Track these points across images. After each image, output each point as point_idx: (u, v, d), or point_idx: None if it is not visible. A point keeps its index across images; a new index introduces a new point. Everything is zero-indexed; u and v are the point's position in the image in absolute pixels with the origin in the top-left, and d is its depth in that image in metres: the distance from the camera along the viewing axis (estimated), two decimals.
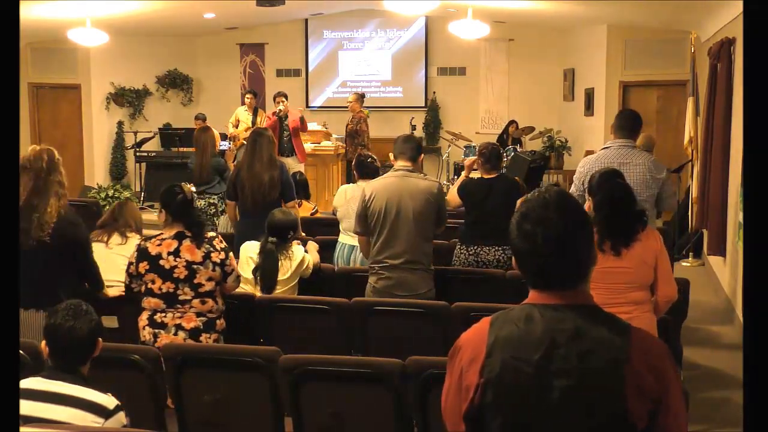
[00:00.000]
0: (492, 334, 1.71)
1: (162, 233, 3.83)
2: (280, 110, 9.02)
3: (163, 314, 3.77)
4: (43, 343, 2.64)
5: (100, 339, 2.72)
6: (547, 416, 1.64)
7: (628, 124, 4.63)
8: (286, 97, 9.15)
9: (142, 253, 3.79)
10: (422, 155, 4.57)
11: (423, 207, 4.27)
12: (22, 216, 3.67)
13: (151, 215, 8.02)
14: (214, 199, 6.96)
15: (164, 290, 3.76)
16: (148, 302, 3.80)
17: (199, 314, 3.78)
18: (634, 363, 1.62)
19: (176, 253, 3.74)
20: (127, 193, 10.59)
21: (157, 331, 3.76)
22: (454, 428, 1.78)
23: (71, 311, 2.62)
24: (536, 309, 1.71)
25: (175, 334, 3.74)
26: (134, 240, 4.53)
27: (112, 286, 4.25)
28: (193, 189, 4.01)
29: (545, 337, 1.66)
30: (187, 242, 3.76)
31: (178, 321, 3.76)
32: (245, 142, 9.87)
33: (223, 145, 8.08)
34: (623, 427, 1.62)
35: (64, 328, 2.58)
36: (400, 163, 4.40)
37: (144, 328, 3.80)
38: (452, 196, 5.38)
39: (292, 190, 5.53)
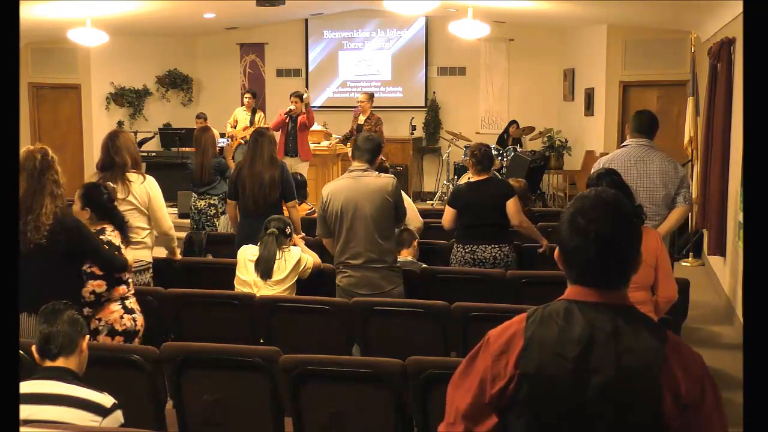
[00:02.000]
0: (529, 328, 1.71)
1: (105, 227, 3.95)
2: (290, 110, 9.02)
3: (129, 300, 3.97)
4: (33, 347, 2.66)
5: (87, 338, 2.72)
6: (581, 413, 1.65)
7: (645, 125, 4.65)
8: (300, 98, 9.14)
9: (111, 245, 3.90)
10: (380, 156, 4.61)
11: (379, 206, 4.32)
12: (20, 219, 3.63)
13: None
14: (214, 200, 6.95)
15: (128, 276, 4.00)
16: (118, 291, 3.92)
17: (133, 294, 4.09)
18: (671, 365, 1.64)
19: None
20: None
21: (134, 315, 3.95)
22: (471, 425, 1.75)
23: (47, 310, 2.66)
24: (576, 306, 1.71)
25: (139, 314, 4.01)
26: (137, 184, 4.56)
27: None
28: (104, 182, 4.24)
29: (584, 334, 1.66)
30: (117, 233, 4.00)
31: (135, 304, 4.02)
32: (242, 142, 9.96)
33: (222, 141, 8.08)
34: (656, 427, 1.63)
35: (41, 327, 2.62)
36: (356, 164, 4.46)
37: (122, 318, 3.89)
38: (446, 218, 5.30)
39: (293, 190, 5.53)
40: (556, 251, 1.77)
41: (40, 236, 3.57)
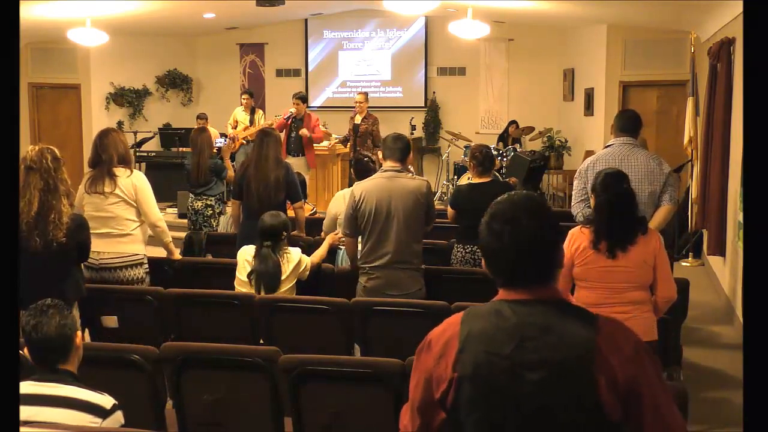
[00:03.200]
0: (464, 329, 1.75)
1: None
2: (291, 113, 9.02)
3: None
4: (26, 348, 2.63)
5: (78, 333, 2.69)
6: (522, 409, 1.67)
7: (629, 124, 4.62)
8: (302, 99, 9.13)
9: None
10: (411, 154, 4.58)
11: (412, 207, 4.30)
12: (40, 218, 3.78)
13: None
14: (211, 200, 6.91)
15: None
16: None
17: None
18: (604, 352, 1.66)
19: None
20: None
21: None
22: (425, 420, 1.80)
23: (34, 310, 2.63)
24: (506, 304, 1.75)
25: None
26: (123, 178, 4.65)
27: (111, 234, 4.62)
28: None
29: (516, 331, 1.70)
30: None
31: None
32: (245, 142, 9.95)
33: (219, 142, 8.06)
34: (597, 418, 1.65)
35: (29, 326, 2.58)
36: (389, 164, 4.43)
37: None
38: (450, 215, 5.37)
39: (298, 190, 5.54)
40: (483, 263, 1.83)
41: (61, 235, 3.82)
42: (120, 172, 4.66)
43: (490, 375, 1.69)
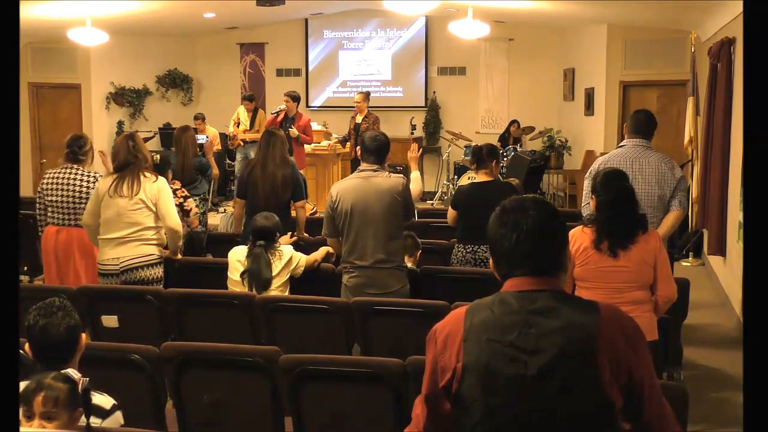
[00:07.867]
0: (468, 319, 1.80)
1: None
2: (280, 109, 8.93)
3: None
4: (27, 345, 2.61)
5: (83, 335, 2.69)
6: (525, 395, 1.69)
7: (642, 125, 4.57)
8: (292, 98, 8.97)
9: None
10: (389, 153, 4.56)
11: (389, 206, 4.31)
12: None
13: None
14: (195, 200, 6.87)
15: None
16: None
17: None
18: (605, 334, 1.69)
19: None
20: None
21: None
22: (431, 408, 1.84)
23: (43, 309, 2.58)
24: (509, 294, 1.79)
25: None
26: (150, 182, 4.68)
27: (130, 239, 4.65)
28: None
29: (519, 318, 1.73)
30: None
31: None
32: (242, 143, 9.94)
33: (201, 138, 8.00)
34: (600, 405, 1.67)
35: (37, 327, 2.55)
36: (365, 165, 4.43)
37: None
38: (450, 219, 5.34)
39: (302, 189, 5.55)
40: (491, 261, 1.88)
41: None
42: (146, 177, 4.70)
43: (493, 362, 1.71)
